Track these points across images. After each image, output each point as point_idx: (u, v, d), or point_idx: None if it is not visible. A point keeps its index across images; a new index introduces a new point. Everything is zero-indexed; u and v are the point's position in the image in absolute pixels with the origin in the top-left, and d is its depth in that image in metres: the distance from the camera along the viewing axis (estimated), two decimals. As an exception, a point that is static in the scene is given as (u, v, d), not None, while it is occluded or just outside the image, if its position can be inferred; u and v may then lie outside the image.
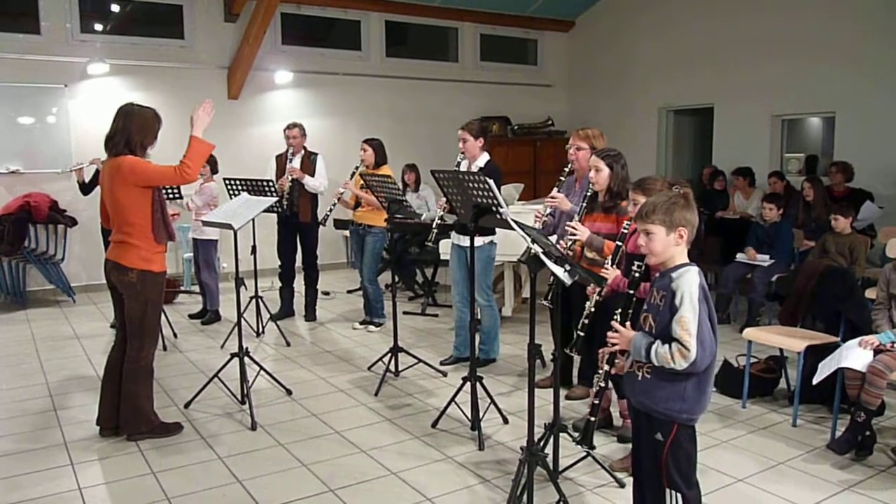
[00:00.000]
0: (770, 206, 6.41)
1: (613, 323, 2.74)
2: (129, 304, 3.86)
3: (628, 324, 2.73)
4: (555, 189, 4.41)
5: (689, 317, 2.39)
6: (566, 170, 4.50)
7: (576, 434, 3.36)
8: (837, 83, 8.00)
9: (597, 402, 3.14)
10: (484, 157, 5.04)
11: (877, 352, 3.76)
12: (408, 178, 8.51)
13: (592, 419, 3.16)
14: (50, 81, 7.75)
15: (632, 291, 2.81)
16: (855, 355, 3.78)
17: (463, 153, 5.00)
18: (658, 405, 2.50)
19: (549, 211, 4.46)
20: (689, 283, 2.43)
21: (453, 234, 5.18)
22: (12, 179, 7.60)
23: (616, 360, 2.87)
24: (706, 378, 2.50)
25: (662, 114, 10.26)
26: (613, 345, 2.73)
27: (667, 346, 2.42)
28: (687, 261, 2.53)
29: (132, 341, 3.89)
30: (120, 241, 3.84)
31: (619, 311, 2.80)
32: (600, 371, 3.06)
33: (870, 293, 4.95)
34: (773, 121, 8.88)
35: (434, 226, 4.91)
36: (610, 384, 3.52)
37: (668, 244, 2.52)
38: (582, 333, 3.48)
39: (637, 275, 2.81)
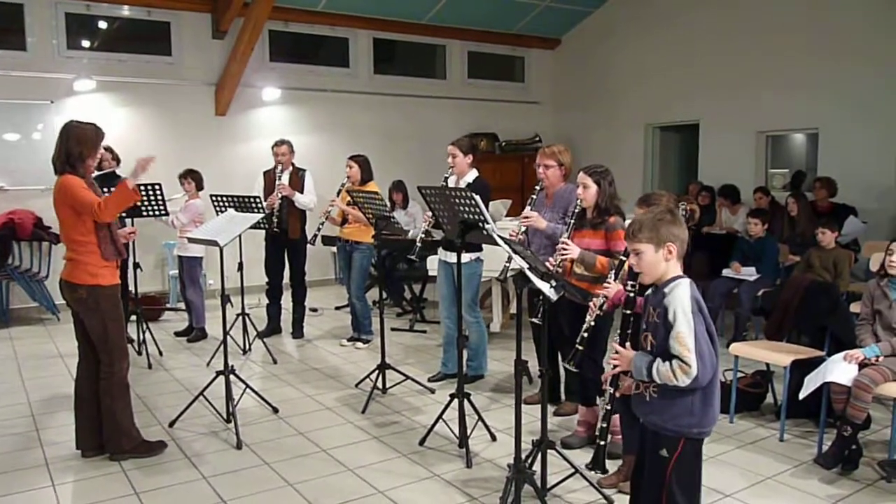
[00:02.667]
0: (755, 221, 6.45)
1: (613, 344, 2.72)
2: (87, 321, 3.83)
3: (628, 344, 2.70)
4: (528, 207, 4.41)
5: (684, 331, 2.37)
6: (537, 188, 4.51)
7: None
8: (820, 100, 8.10)
9: (604, 425, 3.10)
10: (472, 174, 5.05)
11: (862, 366, 3.78)
12: (395, 197, 8.50)
13: (602, 443, 3.13)
14: (36, 98, 7.71)
15: (628, 311, 2.79)
16: (840, 369, 3.80)
17: (451, 168, 5.02)
18: (668, 423, 2.48)
19: (523, 229, 4.44)
20: (681, 297, 2.42)
21: (440, 250, 5.18)
22: (-4, 196, 7.55)
23: (620, 382, 2.84)
24: (711, 390, 2.48)
25: (648, 130, 10.34)
26: (615, 366, 2.70)
27: (667, 363, 2.40)
28: (679, 273, 2.52)
29: (102, 357, 3.85)
30: (69, 258, 3.83)
31: (619, 331, 2.78)
32: (605, 394, 3.03)
33: (854, 307, 4.98)
34: (758, 137, 8.98)
35: (418, 240, 4.90)
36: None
37: (658, 261, 2.51)
38: (581, 347, 3.47)
39: (632, 294, 2.80)
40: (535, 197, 4.47)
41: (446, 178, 5.00)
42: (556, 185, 4.47)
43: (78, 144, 3.77)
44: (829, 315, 4.53)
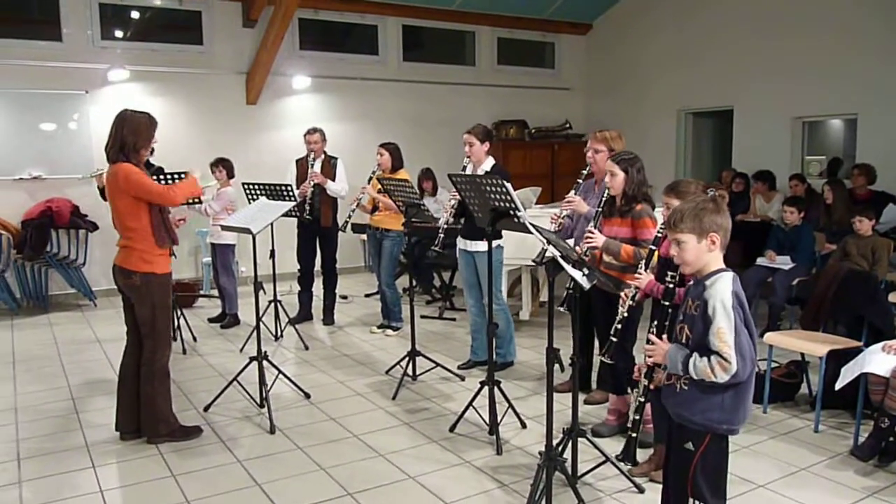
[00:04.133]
0: (791, 209, 6.34)
1: (649, 335, 2.67)
2: (137, 307, 3.90)
3: (664, 336, 2.66)
4: (571, 192, 4.37)
5: (724, 327, 2.31)
6: (584, 172, 4.46)
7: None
8: (859, 85, 7.90)
9: (637, 417, 3.07)
10: (489, 162, 5.02)
11: (901, 356, 3.71)
12: (425, 184, 8.49)
13: (634, 435, 3.10)
14: (71, 88, 7.84)
15: (667, 303, 2.74)
16: (878, 360, 3.73)
17: (468, 157, 4.99)
18: (696, 416, 2.43)
19: (565, 213, 4.41)
20: (722, 291, 2.35)
21: (459, 238, 5.16)
22: (35, 185, 7.70)
23: (654, 374, 2.80)
24: (746, 386, 2.42)
25: (681, 116, 10.19)
26: (650, 357, 2.65)
27: (705, 358, 2.35)
28: (722, 266, 2.45)
29: (146, 343, 3.92)
30: (123, 245, 3.89)
31: (655, 322, 2.74)
32: (639, 386, 3.00)
33: (893, 297, 4.88)
34: (794, 123, 8.79)
35: (441, 231, 4.89)
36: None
37: (701, 252, 2.43)
38: (615, 339, 3.44)
39: (671, 285, 2.74)
40: (580, 182, 4.41)
41: (464, 168, 4.96)
42: (605, 172, 4.40)
43: (132, 135, 3.82)
44: (866, 304, 4.44)
